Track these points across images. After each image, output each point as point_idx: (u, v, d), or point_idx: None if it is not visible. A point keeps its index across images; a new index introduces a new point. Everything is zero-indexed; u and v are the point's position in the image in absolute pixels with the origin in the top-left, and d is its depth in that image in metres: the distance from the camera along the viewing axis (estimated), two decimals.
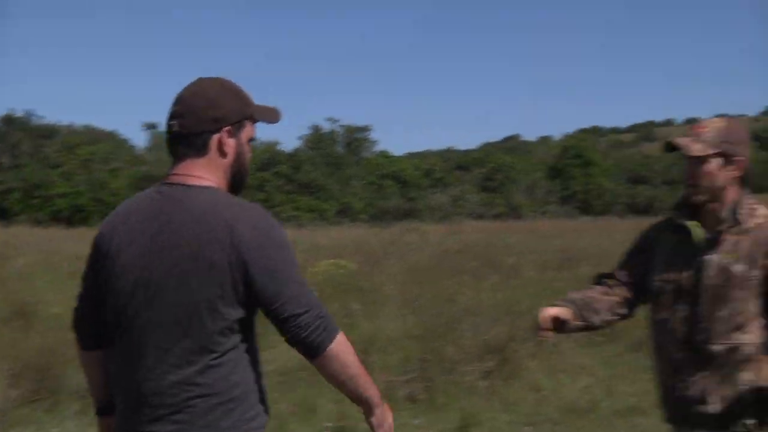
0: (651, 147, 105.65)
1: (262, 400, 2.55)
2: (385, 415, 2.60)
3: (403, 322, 9.59)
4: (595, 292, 3.41)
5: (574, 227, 34.89)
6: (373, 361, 8.29)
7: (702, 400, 3.08)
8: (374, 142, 73.45)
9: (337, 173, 53.60)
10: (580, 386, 7.74)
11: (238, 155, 2.57)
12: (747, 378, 3.04)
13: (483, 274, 14.13)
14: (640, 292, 3.37)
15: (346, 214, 49.16)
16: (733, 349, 3.03)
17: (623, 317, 3.44)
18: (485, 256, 17.70)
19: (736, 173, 3.13)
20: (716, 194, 3.13)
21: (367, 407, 2.56)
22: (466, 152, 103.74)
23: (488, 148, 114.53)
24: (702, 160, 3.10)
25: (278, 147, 56.48)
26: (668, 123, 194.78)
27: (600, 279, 3.48)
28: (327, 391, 7.46)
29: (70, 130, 69.88)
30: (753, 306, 3.03)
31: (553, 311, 3.27)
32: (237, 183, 2.60)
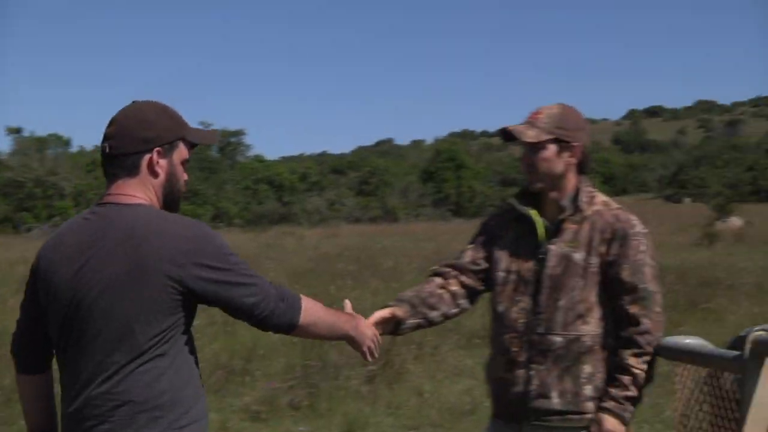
0: (517, 150, 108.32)
1: (198, 408, 2.54)
2: (362, 336, 2.83)
3: None
4: (432, 286, 3.30)
5: (447, 229, 35.47)
6: (255, 368, 8.20)
7: (542, 395, 3.01)
8: (248, 147, 72.97)
9: (212, 178, 52.90)
10: (460, 388, 7.86)
11: (170, 175, 2.59)
12: (587, 371, 3.00)
13: (363, 277, 14.19)
14: (482, 281, 3.29)
15: (221, 218, 48.45)
16: (574, 341, 2.98)
17: (464, 309, 3.34)
18: (364, 260, 17.77)
19: (573, 159, 3.09)
20: (555, 181, 3.10)
21: (347, 341, 2.83)
22: (341, 156, 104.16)
23: (362, 152, 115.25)
24: (538, 146, 3.06)
25: None
26: None
27: (439, 271, 3.37)
28: (209, 401, 7.34)
29: None
30: (593, 295, 3.00)
31: (382, 313, 3.17)
32: (170, 203, 2.63)
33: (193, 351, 2.57)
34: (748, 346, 2.81)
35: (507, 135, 3.15)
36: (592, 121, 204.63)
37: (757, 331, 2.84)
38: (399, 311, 3.19)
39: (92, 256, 2.43)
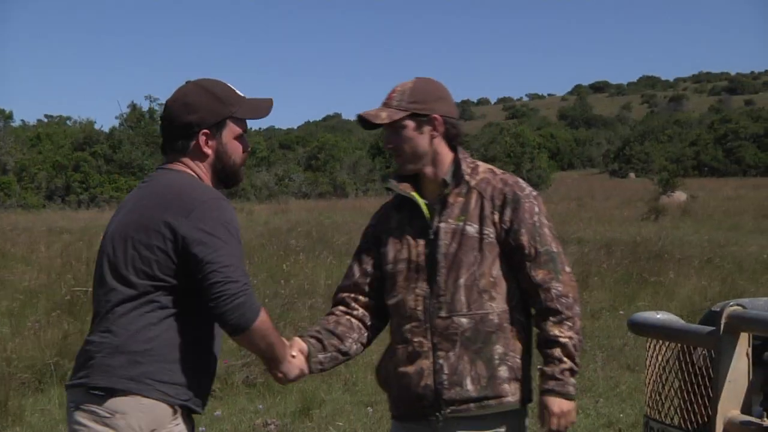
0: (469, 125, 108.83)
1: (189, 374, 2.61)
2: (291, 368, 2.77)
3: None
4: (335, 316, 3.02)
5: None
6: None
7: (455, 383, 2.78)
8: None
9: (158, 153, 51.83)
10: None
11: (219, 154, 2.73)
12: (500, 351, 2.79)
13: (316, 253, 14.08)
14: (381, 290, 3.00)
15: None
16: (481, 320, 2.78)
17: (381, 327, 3.07)
18: (315, 235, 17.67)
19: (437, 132, 2.88)
20: (425, 159, 2.89)
21: (273, 364, 2.74)
22: (288, 131, 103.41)
23: (310, 127, 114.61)
24: (396, 126, 2.86)
25: (95, 126, 54.30)
26: (484, 102, 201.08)
27: (338, 298, 3.09)
28: None
29: None
30: (495, 268, 2.81)
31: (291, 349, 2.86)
32: (224, 178, 2.79)
33: (201, 318, 2.62)
34: (723, 321, 2.79)
35: (364, 121, 2.93)
36: (538, 97, 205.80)
37: (732, 306, 2.81)
38: (304, 346, 2.88)
39: (127, 209, 2.70)
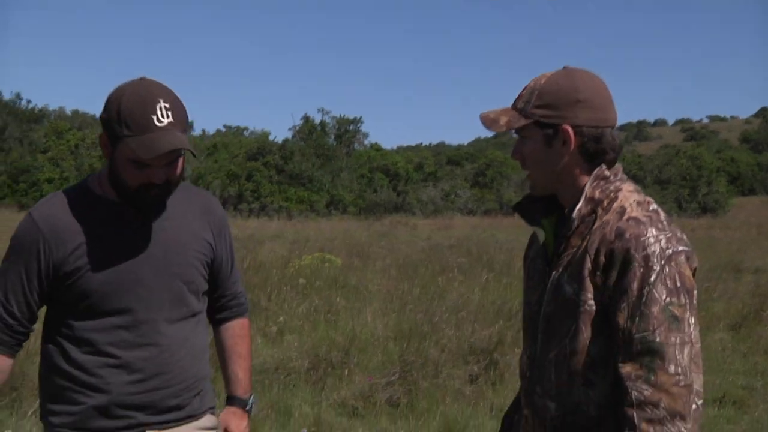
0: (644, 146, 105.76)
1: (50, 408, 2.45)
2: None
3: (387, 321, 9.21)
4: (514, 414, 2.49)
5: None
6: (353, 362, 7.89)
7: None
8: (365, 135, 73.02)
9: (328, 165, 53.17)
10: None
11: (113, 165, 2.37)
12: None
13: (474, 270, 13.76)
14: None
15: (336, 206, 48.75)
16: (572, 410, 2.11)
17: None
18: (476, 252, 17.35)
19: (567, 147, 2.15)
20: (554, 180, 2.21)
21: None
22: (458, 147, 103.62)
23: (480, 144, 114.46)
24: (522, 135, 2.22)
25: (270, 137, 56.10)
26: (661, 123, 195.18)
27: (523, 359, 2.48)
28: (303, 393, 7.08)
29: (59, 115, 69.47)
30: (597, 346, 2.07)
31: None
32: (118, 190, 2.42)
33: (69, 342, 2.42)
34: None
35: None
36: (720, 119, 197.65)
37: None
38: None
39: None
